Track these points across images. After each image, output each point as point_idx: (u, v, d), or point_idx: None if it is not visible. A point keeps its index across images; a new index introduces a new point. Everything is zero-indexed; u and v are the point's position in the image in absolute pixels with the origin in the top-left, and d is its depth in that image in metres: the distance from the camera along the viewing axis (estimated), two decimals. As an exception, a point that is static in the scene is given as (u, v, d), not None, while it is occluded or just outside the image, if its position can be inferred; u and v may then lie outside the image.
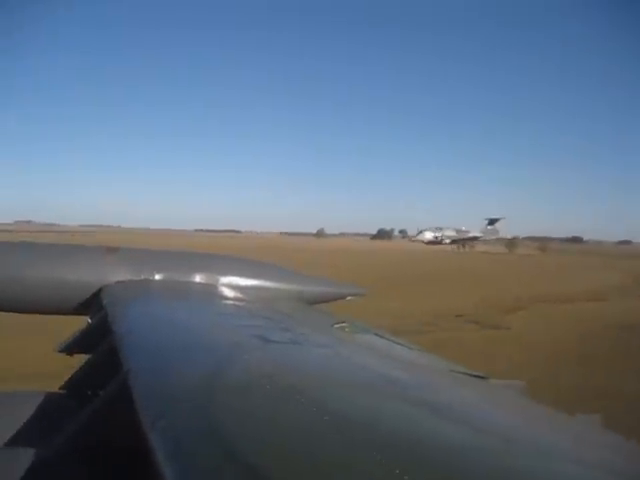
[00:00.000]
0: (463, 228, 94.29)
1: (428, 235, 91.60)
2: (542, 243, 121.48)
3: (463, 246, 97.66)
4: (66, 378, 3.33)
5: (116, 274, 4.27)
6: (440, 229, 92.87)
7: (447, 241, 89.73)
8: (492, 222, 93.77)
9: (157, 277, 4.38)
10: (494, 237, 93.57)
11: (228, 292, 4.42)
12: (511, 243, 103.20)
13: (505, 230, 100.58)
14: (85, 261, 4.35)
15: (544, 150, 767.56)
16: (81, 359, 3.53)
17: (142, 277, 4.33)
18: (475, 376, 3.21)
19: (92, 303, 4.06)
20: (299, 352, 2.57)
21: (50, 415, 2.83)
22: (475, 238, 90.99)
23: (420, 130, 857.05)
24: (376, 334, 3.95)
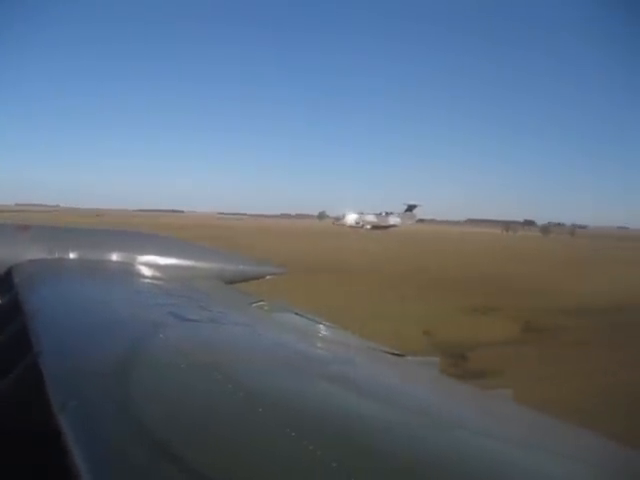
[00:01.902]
0: (383, 213, 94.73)
1: (350, 219, 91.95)
2: (571, 228, 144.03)
3: (511, 230, 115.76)
4: None
5: (28, 252, 4.10)
6: (362, 213, 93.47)
7: (368, 226, 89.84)
8: (410, 208, 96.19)
9: (72, 256, 4.24)
10: (410, 222, 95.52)
11: (145, 270, 4.34)
12: (545, 229, 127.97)
13: (420, 215, 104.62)
14: None
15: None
16: None
17: (56, 255, 4.19)
18: (392, 354, 3.30)
19: (2, 282, 3.88)
20: (216, 330, 2.56)
21: None
22: (393, 226, 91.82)
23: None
24: (296, 313, 3.98)
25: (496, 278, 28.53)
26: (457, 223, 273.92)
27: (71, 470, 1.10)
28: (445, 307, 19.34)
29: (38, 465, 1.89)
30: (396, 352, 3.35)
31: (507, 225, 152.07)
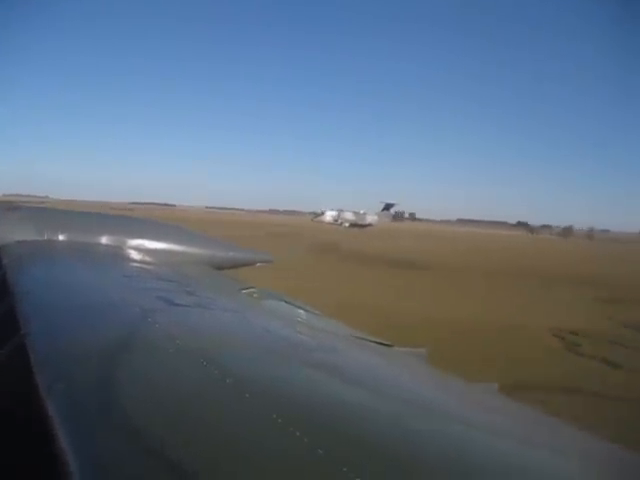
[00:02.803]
0: (361, 211, 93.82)
1: (328, 217, 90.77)
2: (589, 232, 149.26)
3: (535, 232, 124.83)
4: None
5: (17, 233, 4.07)
6: (341, 211, 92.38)
7: (346, 224, 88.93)
8: (388, 207, 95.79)
9: (61, 237, 4.23)
10: (387, 220, 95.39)
11: (134, 254, 4.33)
12: (566, 232, 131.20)
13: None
14: None
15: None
16: None
17: (45, 237, 4.16)
18: (379, 343, 3.30)
19: None
20: (203, 315, 2.55)
21: None
22: (369, 224, 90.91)
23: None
24: (285, 301, 3.96)
25: (597, 275, 33.41)
26: (448, 222, 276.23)
27: (57, 453, 1.10)
28: (585, 298, 23.83)
29: (23, 447, 1.87)
30: (384, 342, 3.35)
31: (530, 227, 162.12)
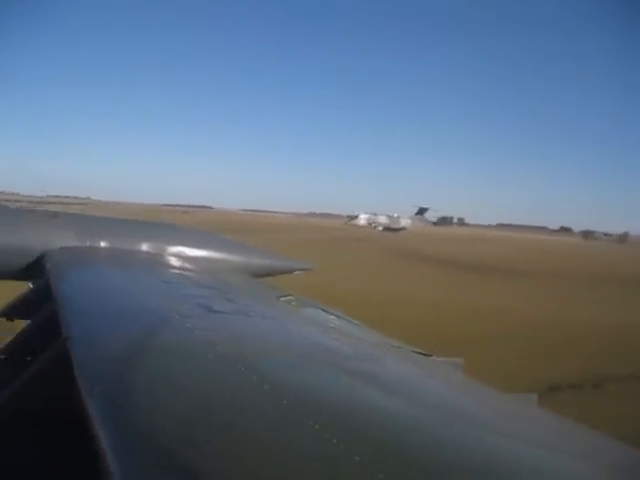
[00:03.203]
0: (395, 215, 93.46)
1: (362, 220, 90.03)
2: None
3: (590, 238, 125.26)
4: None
5: (60, 240, 4.18)
6: (374, 214, 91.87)
7: (379, 228, 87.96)
8: (421, 211, 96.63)
9: (102, 244, 4.33)
10: (422, 224, 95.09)
11: (174, 261, 4.40)
12: (622, 238, 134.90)
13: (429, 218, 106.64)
14: (29, 226, 4.24)
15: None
16: (21, 324, 3.45)
17: (87, 244, 4.27)
18: (417, 352, 3.22)
19: (34, 268, 3.99)
20: (242, 322, 2.58)
21: None
22: (403, 228, 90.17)
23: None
24: (322, 309, 3.93)
25: None
26: (489, 227, 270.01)
27: (97, 454, 1.12)
28: None
29: (65, 448, 1.94)
30: (421, 351, 3.28)
31: (586, 233, 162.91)
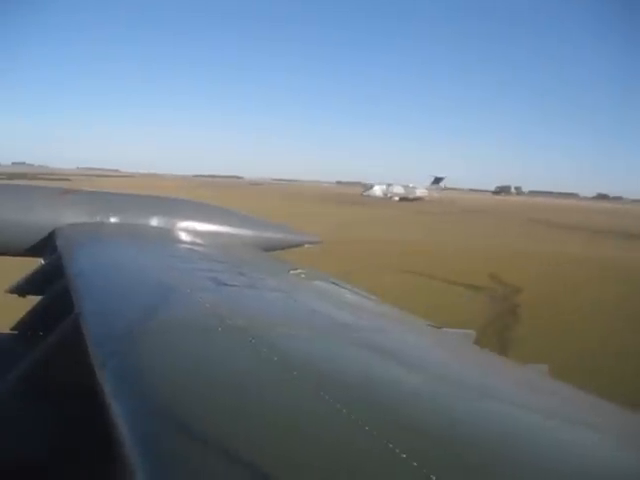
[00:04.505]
0: (410, 185, 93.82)
1: (378, 191, 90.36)
2: None
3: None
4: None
5: (71, 216, 4.21)
6: (390, 185, 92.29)
7: (395, 198, 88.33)
8: (437, 180, 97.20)
9: (112, 220, 4.34)
10: (437, 194, 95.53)
11: (184, 236, 4.40)
12: None
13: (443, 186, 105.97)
14: (40, 202, 4.26)
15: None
16: (33, 300, 3.47)
17: (97, 219, 4.29)
18: (428, 325, 3.21)
19: (46, 245, 4.03)
20: (253, 295, 2.59)
21: (1, 355, 2.79)
22: (419, 198, 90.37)
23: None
24: (333, 282, 3.91)
25: None
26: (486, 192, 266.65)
27: (110, 427, 1.13)
28: None
29: (78, 422, 1.97)
30: (432, 324, 3.28)
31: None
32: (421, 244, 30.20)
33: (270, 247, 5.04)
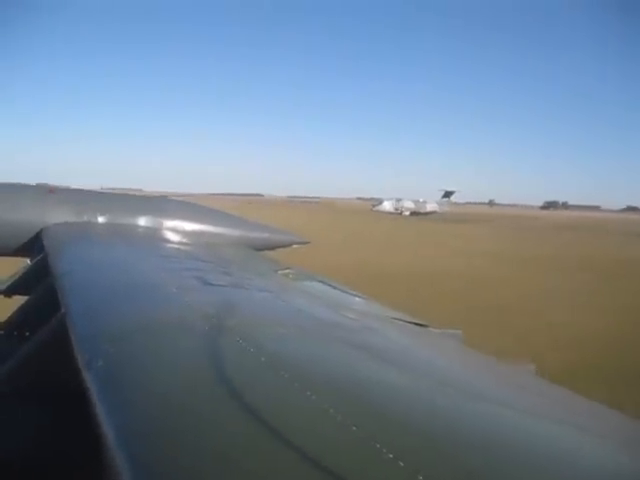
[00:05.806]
0: (420, 200, 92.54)
1: (388, 206, 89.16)
2: None
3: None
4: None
5: (58, 216, 4.19)
6: (399, 200, 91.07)
7: (406, 213, 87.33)
8: (447, 194, 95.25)
9: (100, 219, 4.32)
10: (447, 208, 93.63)
11: (171, 235, 4.41)
12: None
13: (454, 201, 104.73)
14: (26, 202, 4.23)
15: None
16: (20, 300, 3.49)
17: (84, 219, 4.26)
18: (416, 324, 3.22)
19: (32, 245, 4.01)
20: (239, 295, 2.57)
21: None
22: (431, 212, 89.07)
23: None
24: (321, 281, 3.93)
25: None
26: (532, 208, 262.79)
27: (94, 427, 1.13)
28: None
29: (64, 422, 1.96)
30: (420, 322, 3.28)
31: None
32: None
33: (258, 247, 5.03)
